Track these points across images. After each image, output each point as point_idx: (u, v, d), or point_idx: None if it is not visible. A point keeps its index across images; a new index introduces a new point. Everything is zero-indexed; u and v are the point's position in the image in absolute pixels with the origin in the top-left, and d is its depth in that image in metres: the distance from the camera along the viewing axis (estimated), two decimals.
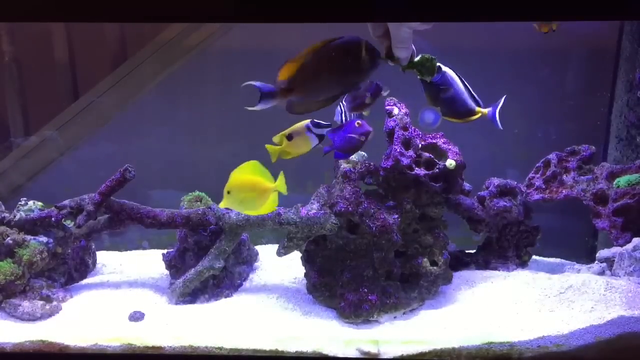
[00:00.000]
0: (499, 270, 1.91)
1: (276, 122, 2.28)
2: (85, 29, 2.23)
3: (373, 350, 1.44)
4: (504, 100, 1.41)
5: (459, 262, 1.96)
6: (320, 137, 1.57)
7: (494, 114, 1.42)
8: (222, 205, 1.52)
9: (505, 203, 1.89)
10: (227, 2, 1.05)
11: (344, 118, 1.65)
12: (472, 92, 1.41)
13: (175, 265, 1.87)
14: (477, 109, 1.41)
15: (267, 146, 1.55)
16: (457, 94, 1.37)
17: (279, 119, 2.27)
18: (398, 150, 1.70)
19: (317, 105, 1.27)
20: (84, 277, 1.99)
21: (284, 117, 2.26)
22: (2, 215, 1.81)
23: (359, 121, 1.54)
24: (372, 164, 1.76)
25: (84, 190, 1.85)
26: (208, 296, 1.80)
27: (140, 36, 2.23)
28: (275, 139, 1.56)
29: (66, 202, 1.82)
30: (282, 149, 1.56)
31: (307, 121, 1.56)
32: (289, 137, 1.56)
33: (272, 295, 1.81)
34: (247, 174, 1.52)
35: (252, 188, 1.49)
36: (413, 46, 1.24)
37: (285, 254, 1.75)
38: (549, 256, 2.16)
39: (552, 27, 1.57)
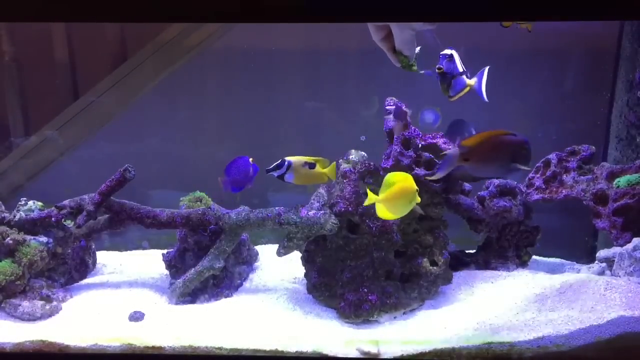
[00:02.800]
0: (499, 270, 1.91)
1: (275, 123, 2.29)
2: (85, 29, 2.23)
3: (373, 350, 1.44)
4: (488, 71, 1.40)
5: (459, 262, 1.96)
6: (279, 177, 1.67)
7: (479, 86, 1.40)
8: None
9: (505, 203, 1.89)
10: (227, 2, 1.05)
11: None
12: (462, 64, 1.41)
13: (175, 265, 1.87)
14: (468, 81, 1.40)
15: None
16: (461, 74, 1.38)
17: (277, 119, 2.28)
18: (398, 150, 1.70)
19: (471, 178, 1.62)
20: (84, 277, 1.99)
21: (282, 118, 2.27)
22: (2, 215, 1.81)
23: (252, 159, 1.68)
24: (372, 164, 1.76)
25: (84, 190, 1.85)
26: (208, 296, 1.80)
27: (140, 36, 2.23)
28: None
29: (66, 202, 1.82)
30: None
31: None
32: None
33: (272, 295, 1.81)
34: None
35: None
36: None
37: (285, 254, 1.75)
38: (549, 256, 2.16)
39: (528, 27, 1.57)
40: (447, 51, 1.37)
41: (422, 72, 1.30)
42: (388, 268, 1.70)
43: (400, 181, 1.46)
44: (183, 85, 2.29)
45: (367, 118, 2.18)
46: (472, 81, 1.39)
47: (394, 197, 1.46)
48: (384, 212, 1.46)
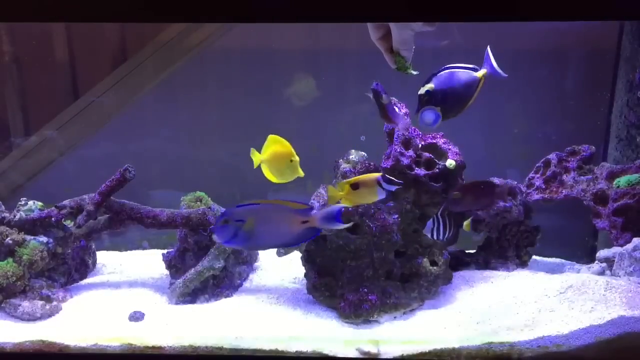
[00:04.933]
0: (499, 270, 1.91)
1: (275, 123, 2.29)
2: (85, 29, 2.23)
3: (373, 350, 1.44)
4: (489, 50, 1.35)
5: (459, 262, 1.96)
6: (389, 193, 1.49)
7: (492, 69, 1.35)
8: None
9: (505, 203, 1.89)
10: (227, 2, 1.05)
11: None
12: (463, 65, 1.35)
13: (175, 265, 1.87)
14: (479, 74, 1.35)
15: (329, 188, 1.53)
16: (456, 92, 1.33)
17: (277, 119, 2.28)
18: (398, 150, 1.70)
19: None
20: (84, 277, 1.99)
21: (282, 118, 2.27)
22: (2, 215, 1.81)
23: None
24: (372, 164, 1.76)
25: (84, 190, 1.85)
26: (208, 296, 1.80)
27: (140, 36, 2.23)
28: (339, 186, 1.51)
29: (66, 202, 1.82)
30: (343, 196, 1.50)
31: (378, 174, 1.49)
32: (355, 186, 1.49)
33: (272, 295, 1.81)
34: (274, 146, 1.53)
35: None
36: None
37: (285, 254, 1.75)
38: (549, 256, 2.16)
39: None
40: (423, 89, 1.28)
41: (416, 73, 1.29)
42: (388, 268, 1.70)
43: (277, 143, 1.49)
44: (183, 85, 2.29)
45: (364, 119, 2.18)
46: (481, 72, 1.35)
47: (272, 157, 1.49)
48: (267, 171, 1.51)
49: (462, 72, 1.31)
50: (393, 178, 1.48)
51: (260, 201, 1.33)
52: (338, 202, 1.63)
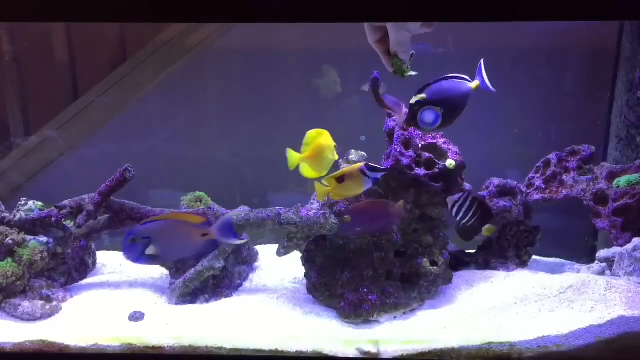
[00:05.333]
0: (499, 270, 1.91)
1: (274, 123, 2.29)
2: (85, 29, 2.23)
3: (373, 350, 1.44)
4: (483, 63, 1.35)
5: (459, 262, 1.96)
6: (375, 181, 1.50)
7: (483, 83, 1.35)
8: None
9: (505, 203, 1.89)
10: (227, 2, 1.05)
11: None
12: (457, 75, 1.35)
13: (175, 265, 1.87)
14: (472, 86, 1.35)
15: (316, 184, 1.53)
16: (450, 103, 1.33)
17: (277, 119, 2.28)
18: (398, 150, 1.70)
19: None
20: (84, 277, 1.99)
21: (282, 118, 2.27)
22: (2, 215, 1.81)
23: None
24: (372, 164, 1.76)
25: (84, 190, 1.85)
26: (208, 296, 1.80)
27: (140, 36, 2.23)
28: (326, 181, 1.52)
29: (66, 202, 1.82)
30: (331, 191, 1.51)
31: (361, 164, 1.50)
32: (341, 180, 1.51)
33: (272, 295, 1.81)
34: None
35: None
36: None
37: (285, 254, 1.75)
38: (549, 256, 2.16)
39: None
40: (414, 99, 1.29)
41: (414, 73, 1.29)
42: (388, 268, 1.70)
43: (318, 137, 1.46)
44: (183, 85, 2.29)
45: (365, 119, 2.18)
46: (473, 84, 1.35)
47: (315, 153, 1.45)
48: (308, 170, 1.46)
49: (455, 83, 1.32)
50: (376, 165, 1.49)
51: (162, 217, 1.37)
52: (327, 197, 1.64)
